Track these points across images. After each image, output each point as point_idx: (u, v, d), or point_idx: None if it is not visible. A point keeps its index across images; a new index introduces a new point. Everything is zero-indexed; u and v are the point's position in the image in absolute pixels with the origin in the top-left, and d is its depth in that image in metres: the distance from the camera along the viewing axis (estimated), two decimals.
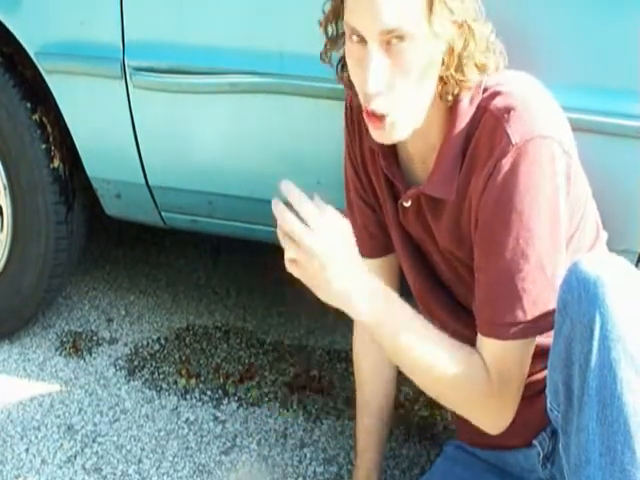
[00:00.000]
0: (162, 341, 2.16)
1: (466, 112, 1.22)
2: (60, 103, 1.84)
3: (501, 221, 1.18)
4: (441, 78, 1.19)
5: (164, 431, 1.86)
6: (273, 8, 1.62)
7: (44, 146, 1.90)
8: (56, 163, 1.92)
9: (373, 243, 1.51)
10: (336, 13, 1.20)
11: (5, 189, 1.95)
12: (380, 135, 1.22)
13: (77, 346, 2.13)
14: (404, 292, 1.55)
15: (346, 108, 1.43)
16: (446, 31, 1.14)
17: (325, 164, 1.66)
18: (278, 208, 1.14)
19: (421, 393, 1.95)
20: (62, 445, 1.81)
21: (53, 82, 1.82)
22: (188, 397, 1.96)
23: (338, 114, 1.45)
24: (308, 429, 1.86)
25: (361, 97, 1.20)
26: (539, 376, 1.29)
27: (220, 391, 1.98)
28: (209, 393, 1.97)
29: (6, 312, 2.09)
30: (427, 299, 1.45)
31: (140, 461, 1.77)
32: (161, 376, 2.03)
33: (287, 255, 1.17)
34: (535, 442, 1.40)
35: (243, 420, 1.89)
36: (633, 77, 1.42)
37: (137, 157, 1.84)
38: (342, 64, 1.27)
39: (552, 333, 1.16)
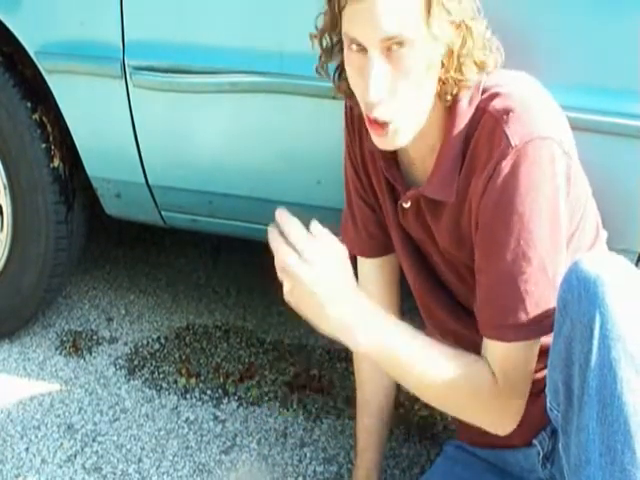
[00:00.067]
0: (162, 340, 2.16)
1: (465, 113, 1.22)
2: (60, 103, 1.84)
3: (502, 223, 1.18)
4: (440, 78, 1.19)
5: (164, 430, 1.86)
6: (273, 8, 1.62)
7: (44, 145, 1.90)
8: (56, 162, 1.92)
9: (373, 243, 1.51)
10: (333, 24, 1.19)
11: (5, 188, 1.96)
12: (383, 142, 1.22)
13: (77, 345, 2.13)
14: (404, 292, 1.56)
15: (346, 108, 1.43)
16: (445, 33, 1.14)
17: (325, 164, 1.66)
18: (274, 243, 1.14)
19: None
20: (62, 444, 1.81)
21: (53, 82, 1.83)
22: (188, 396, 1.96)
23: (338, 114, 1.45)
24: (308, 428, 1.86)
25: (362, 106, 1.20)
26: (539, 375, 1.29)
27: (220, 390, 1.98)
28: (209, 392, 1.98)
29: (6, 311, 2.09)
30: (427, 299, 1.45)
31: (140, 460, 1.77)
32: (161, 375, 2.03)
33: (284, 287, 1.18)
34: (535, 442, 1.40)
35: (243, 419, 1.89)
36: (633, 77, 1.42)
37: (137, 156, 1.84)
38: (339, 73, 1.27)
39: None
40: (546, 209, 1.17)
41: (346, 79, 1.23)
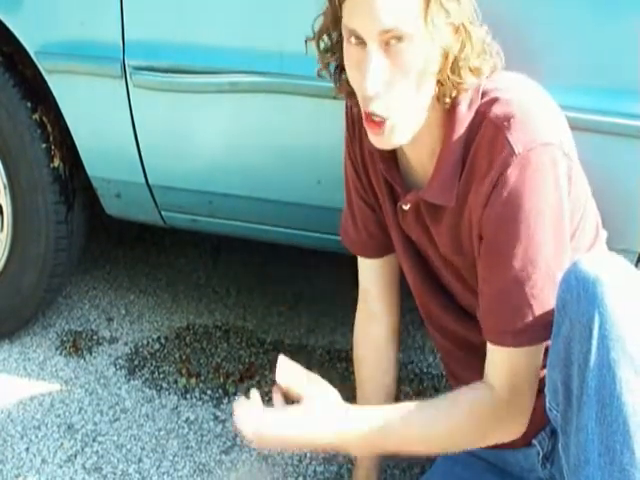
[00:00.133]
0: (162, 340, 2.16)
1: (465, 117, 1.22)
2: (60, 103, 1.84)
3: (508, 233, 1.18)
4: (438, 80, 1.19)
5: (164, 430, 1.86)
6: (273, 7, 1.62)
7: (44, 145, 1.90)
8: (56, 162, 1.92)
9: (373, 243, 1.51)
10: (334, 18, 1.19)
11: (5, 188, 1.96)
12: (379, 141, 1.22)
13: (77, 345, 2.13)
14: (404, 292, 1.56)
15: (346, 108, 1.42)
16: (442, 32, 1.14)
17: (325, 164, 1.66)
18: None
19: (421, 392, 1.96)
20: (62, 444, 1.81)
21: (53, 82, 1.83)
22: (188, 396, 1.96)
23: (338, 114, 1.45)
24: None
25: (360, 100, 1.20)
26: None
27: (220, 390, 1.98)
28: (209, 392, 1.98)
29: (6, 312, 2.09)
30: (427, 300, 1.45)
31: (140, 460, 1.77)
32: (161, 375, 2.03)
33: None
34: (535, 441, 1.40)
35: None
36: (633, 77, 1.42)
37: (137, 156, 1.84)
38: (339, 71, 1.27)
39: None
40: (550, 215, 1.18)
41: (346, 79, 1.23)
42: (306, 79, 1.58)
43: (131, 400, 1.95)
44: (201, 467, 1.76)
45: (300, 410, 1.26)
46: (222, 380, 2.01)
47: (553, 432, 1.35)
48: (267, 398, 1.95)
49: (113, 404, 1.93)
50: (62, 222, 1.97)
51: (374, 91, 1.14)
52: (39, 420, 1.88)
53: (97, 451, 1.79)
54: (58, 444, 1.81)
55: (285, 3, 1.61)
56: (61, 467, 1.75)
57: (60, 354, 2.10)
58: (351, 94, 1.24)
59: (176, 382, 2.01)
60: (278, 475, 1.74)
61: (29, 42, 1.81)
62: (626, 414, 1.05)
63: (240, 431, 1.26)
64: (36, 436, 1.84)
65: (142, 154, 1.84)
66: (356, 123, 1.40)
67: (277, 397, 1.30)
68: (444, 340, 1.48)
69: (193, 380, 2.01)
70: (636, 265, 1.55)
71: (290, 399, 1.30)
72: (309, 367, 2.08)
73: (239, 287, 2.40)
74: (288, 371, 1.30)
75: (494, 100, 1.20)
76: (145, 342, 2.16)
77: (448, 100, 1.20)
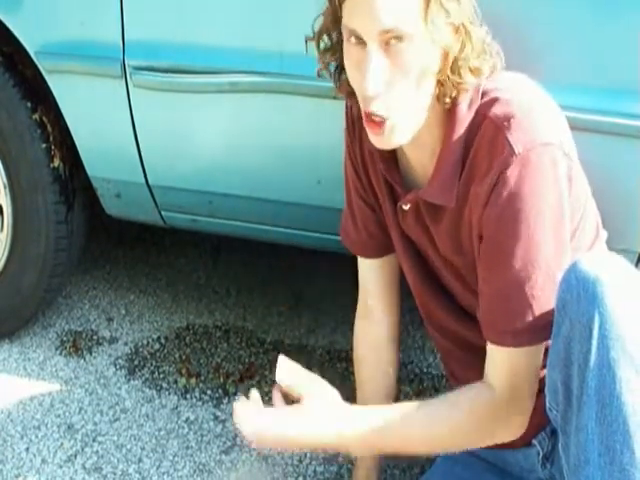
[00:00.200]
0: (162, 340, 2.16)
1: (465, 117, 1.22)
2: (60, 103, 1.84)
3: (508, 233, 1.18)
4: (438, 80, 1.19)
5: (164, 430, 1.86)
6: (273, 7, 1.62)
7: (44, 145, 1.90)
8: (56, 162, 1.92)
9: (373, 243, 1.51)
10: (335, 18, 1.19)
11: (5, 188, 1.96)
12: (379, 141, 1.22)
13: (77, 345, 2.13)
14: (404, 292, 1.56)
15: (346, 108, 1.42)
16: (443, 32, 1.14)
17: (325, 164, 1.66)
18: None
19: (421, 392, 1.96)
20: (62, 444, 1.81)
21: (53, 81, 1.83)
22: (188, 396, 1.96)
23: (338, 113, 1.45)
24: None
25: (360, 100, 1.20)
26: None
27: (220, 390, 1.98)
28: (209, 392, 1.98)
29: (6, 311, 2.09)
30: (427, 300, 1.45)
31: (140, 460, 1.77)
32: (161, 375, 2.03)
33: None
34: (534, 441, 1.40)
35: None
36: (633, 77, 1.42)
37: (137, 156, 1.84)
38: (339, 71, 1.27)
39: None
40: (551, 215, 1.18)
41: (346, 79, 1.23)
42: (306, 79, 1.59)
43: (131, 400, 1.95)
44: (201, 467, 1.76)
45: (300, 410, 1.26)
46: (222, 380, 2.01)
47: (553, 432, 1.35)
48: (267, 398, 1.95)
49: (113, 404, 1.93)
50: (62, 222, 1.97)
51: (374, 91, 1.14)
52: (39, 420, 1.88)
53: (97, 451, 1.79)
54: (58, 444, 1.81)
55: (285, 3, 1.61)
56: (61, 467, 1.75)
57: (60, 354, 2.10)
58: (351, 94, 1.24)
59: (176, 382, 2.01)
60: (278, 475, 1.74)
61: (29, 42, 1.81)
62: (626, 414, 1.05)
63: (240, 431, 1.26)
64: (36, 436, 1.84)
65: (142, 154, 1.84)
66: (356, 123, 1.40)
67: (277, 397, 1.30)
68: (444, 340, 1.48)
69: (193, 380, 2.01)
70: (636, 265, 1.55)
71: (290, 399, 1.29)
72: (309, 367, 2.07)
73: (239, 287, 2.40)
74: (288, 371, 1.30)
75: (494, 100, 1.20)
76: (145, 342, 2.16)
77: (448, 100, 1.20)
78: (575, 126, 1.28)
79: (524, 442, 1.39)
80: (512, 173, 1.16)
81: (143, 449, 1.80)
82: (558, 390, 1.15)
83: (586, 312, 1.07)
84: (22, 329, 2.16)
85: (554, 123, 1.22)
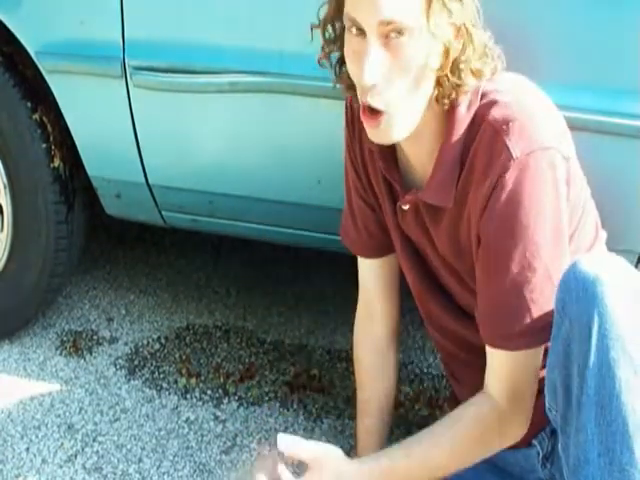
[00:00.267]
0: (162, 340, 2.16)
1: (464, 119, 1.22)
2: (60, 102, 1.84)
3: (507, 237, 1.18)
4: (437, 80, 1.19)
5: (164, 430, 1.86)
6: (273, 7, 1.62)
7: (44, 145, 1.90)
8: (56, 162, 1.92)
9: (373, 243, 1.51)
10: (338, 7, 1.19)
11: (5, 188, 1.95)
12: (376, 134, 1.22)
13: (77, 345, 2.13)
14: (404, 292, 1.56)
15: (346, 107, 1.43)
16: (444, 31, 1.14)
17: (325, 163, 1.66)
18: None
19: (421, 392, 1.96)
20: (62, 444, 1.81)
21: (53, 81, 1.83)
22: (188, 396, 1.96)
23: (338, 113, 1.45)
24: (308, 428, 1.86)
25: (358, 92, 1.20)
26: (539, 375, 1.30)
27: (220, 390, 1.98)
28: (209, 392, 1.97)
29: (6, 312, 2.08)
30: (426, 299, 1.45)
31: (140, 460, 1.77)
32: (161, 375, 2.03)
33: None
34: (535, 442, 1.40)
35: (243, 419, 1.89)
36: (633, 77, 1.42)
37: (137, 156, 1.84)
38: (340, 64, 1.27)
39: None
40: (550, 219, 1.18)
41: (347, 71, 1.23)
42: (306, 79, 1.59)
43: (131, 400, 1.95)
44: (201, 467, 1.76)
45: (314, 477, 1.26)
46: (222, 380, 2.01)
47: (553, 432, 1.35)
48: (267, 398, 1.96)
49: (113, 404, 1.93)
50: (62, 222, 1.96)
51: (372, 81, 1.14)
52: (39, 420, 1.88)
53: (97, 451, 1.79)
54: (58, 444, 1.81)
55: (285, 3, 1.61)
56: (61, 467, 1.75)
57: (60, 354, 2.10)
58: (351, 87, 1.24)
59: (176, 382, 2.01)
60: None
61: (29, 42, 1.81)
62: (626, 414, 1.05)
63: None
64: (36, 436, 1.83)
65: (142, 154, 1.84)
66: (356, 122, 1.40)
67: (284, 470, 1.28)
68: (444, 340, 1.48)
69: (193, 380, 2.01)
70: (636, 266, 1.55)
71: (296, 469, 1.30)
72: (309, 367, 2.09)
73: (239, 287, 2.40)
74: (289, 441, 1.28)
75: (493, 103, 1.20)
76: (145, 342, 2.16)
77: (447, 101, 1.20)
78: (575, 126, 1.29)
79: (524, 442, 1.39)
80: (510, 177, 1.16)
81: (143, 449, 1.80)
82: (557, 390, 1.15)
83: (585, 312, 1.07)
84: (22, 329, 2.16)
85: (553, 126, 1.22)
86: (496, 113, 1.19)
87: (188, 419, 1.89)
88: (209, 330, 2.20)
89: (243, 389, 1.98)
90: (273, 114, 1.70)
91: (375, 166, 1.39)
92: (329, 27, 1.25)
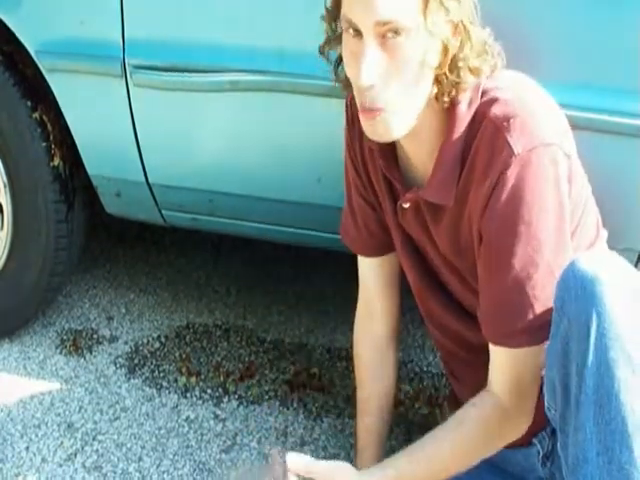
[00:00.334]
0: (162, 339, 2.16)
1: (464, 117, 1.21)
2: (60, 101, 1.84)
3: (509, 233, 1.18)
4: (436, 79, 1.19)
5: (164, 429, 1.86)
6: (273, 6, 1.61)
7: (44, 144, 1.90)
8: (56, 161, 1.92)
9: (373, 242, 1.51)
10: (337, 6, 1.19)
11: (5, 187, 1.95)
12: (374, 132, 1.22)
13: (77, 344, 2.13)
14: (404, 291, 1.56)
15: (347, 106, 1.43)
16: (441, 29, 1.14)
17: (325, 162, 1.66)
18: None
19: (421, 391, 1.96)
20: (62, 443, 1.81)
21: (53, 80, 1.82)
22: (188, 395, 1.96)
23: (338, 112, 1.45)
24: (308, 427, 1.86)
25: (356, 92, 1.20)
26: None
27: (220, 389, 1.98)
28: (209, 391, 1.98)
29: (6, 310, 2.08)
30: (426, 298, 1.45)
31: (140, 459, 1.77)
32: (161, 374, 2.03)
33: None
34: (535, 441, 1.40)
35: (243, 418, 1.89)
36: (633, 75, 1.42)
37: (137, 155, 1.84)
38: (339, 63, 1.27)
39: None
40: (552, 215, 1.18)
41: (345, 70, 1.23)
42: (306, 78, 1.59)
43: (131, 399, 1.95)
44: (201, 466, 1.76)
45: None
46: (222, 379, 2.01)
47: (553, 431, 1.35)
48: (267, 397, 1.96)
49: (113, 403, 1.93)
50: (62, 221, 1.96)
51: (369, 82, 1.14)
52: (39, 419, 1.88)
53: (97, 450, 1.79)
54: (58, 443, 1.81)
55: (285, 2, 1.61)
56: (61, 466, 1.75)
57: (60, 353, 2.10)
58: (348, 85, 1.24)
59: (176, 381, 2.01)
60: (278, 474, 1.73)
61: (29, 41, 1.81)
62: (624, 413, 1.05)
63: None
64: (36, 435, 1.84)
65: (142, 153, 1.84)
66: (356, 121, 1.39)
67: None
68: (444, 338, 1.48)
69: (193, 379, 2.01)
70: (636, 264, 1.55)
71: None
72: (309, 366, 2.09)
73: (239, 286, 2.40)
74: (297, 456, 1.29)
75: (494, 100, 1.20)
76: (145, 341, 2.16)
77: (447, 99, 1.20)
78: (576, 125, 1.28)
79: (525, 442, 1.39)
80: (512, 174, 1.16)
81: (143, 448, 1.80)
82: (556, 389, 1.15)
83: (584, 311, 1.07)
84: (22, 328, 2.16)
85: (554, 123, 1.22)
86: (497, 110, 1.19)
87: (188, 418, 1.89)
88: (209, 329, 2.20)
89: (243, 388, 1.98)
90: (273, 113, 1.70)
91: (375, 164, 1.39)
92: (331, 24, 1.24)
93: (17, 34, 1.81)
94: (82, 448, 1.80)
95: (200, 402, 1.94)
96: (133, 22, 1.71)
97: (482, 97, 1.22)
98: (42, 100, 1.89)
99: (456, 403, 1.42)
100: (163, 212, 1.96)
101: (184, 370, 2.04)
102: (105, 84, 1.78)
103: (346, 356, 2.06)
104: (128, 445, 1.81)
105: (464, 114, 1.21)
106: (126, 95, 1.77)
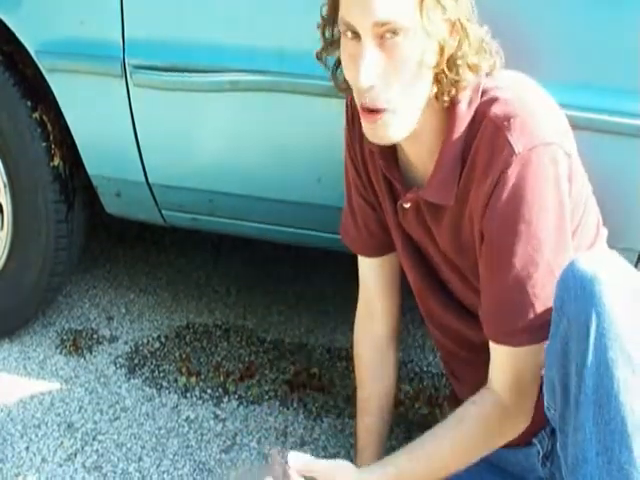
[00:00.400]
0: (162, 339, 2.16)
1: (464, 116, 1.22)
2: (60, 101, 1.84)
3: (509, 232, 1.18)
4: (435, 77, 1.19)
5: (164, 429, 1.86)
6: (273, 6, 1.62)
7: (44, 144, 1.90)
8: (56, 161, 1.92)
9: (373, 242, 1.51)
10: (335, 10, 1.20)
11: (5, 187, 1.95)
12: (374, 134, 1.22)
13: (77, 344, 2.13)
14: (404, 291, 1.56)
15: (347, 106, 1.43)
16: (438, 28, 1.14)
17: (325, 162, 1.66)
18: None
19: (421, 391, 1.96)
20: (62, 443, 1.81)
21: (53, 80, 1.82)
22: (188, 395, 1.96)
23: (338, 112, 1.45)
24: (308, 427, 1.86)
25: (355, 94, 1.20)
26: None
27: (220, 389, 1.98)
28: (209, 391, 1.98)
29: (6, 310, 2.08)
30: (427, 298, 1.45)
31: (140, 459, 1.77)
32: (161, 374, 2.03)
33: None
34: (535, 441, 1.40)
35: (243, 418, 1.89)
36: (633, 76, 1.42)
37: (137, 155, 1.84)
38: (337, 67, 1.27)
39: None
40: (552, 214, 1.18)
41: (344, 75, 1.23)
42: (306, 78, 1.59)
43: (131, 399, 1.95)
44: (201, 466, 1.76)
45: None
46: (222, 379, 2.01)
47: (553, 431, 1.35)
48: (267, 397, 1.96)
49: (113, 403, 1.93)
50: (62, 221, 1.96)
51: (368, 83, 1.14)
52: (39, 419, 1.88)
53: (97, 450, 1.79)
54: (58, 443, 1.81)
55: (285, 1, 1.61)
56: (61, 466, 1.75)
57: (60, 353, 2.10)
58: (347, 88, 1.24)
59: (176, 381, 2.01)
60: (278, 474, 1.73)
61: (29, 41, 1.81)
62: (624, 413, 1.05)
63: None
64: (36, 435, 1.84)
65: (142, 153, 1.84)
66: (356, 121, 1.40)
67: (295, 476, 1.28)
68: (444, 338, 1.48)
69: (193, 379, 2.01)
70: (636, 264, 1.55)
71: None
72: (309, 366, 2.08)
73: (239, 286, 2.40)
74: (298, 455, 1.29)
75: (494, 99, 1.20)
76: (145, 341, 2.16)
77: (446, 98, 1.20)
78: (576, 125, 1.29)
79: (525, 442, 1.39)
80: (512, 173, 1.16)
81: (143, 448, 1.80)
82: (556, 389, 1.15)
83: (584, 311, 1.07)
84: (22, 328, 2.16)
85: (554, 122, 1.22)
86: (497, 109, 1.19)
87: (188, 418, 1.89)
88: (209, 329, 2.20)
89: (243, 388, 1.98)
90: (273, 113, 1.70)
91: (375, 164, 1.39)
92: (328, 29, 1.25)
93: (17, 34, 1.81)
94: (82, 448, 1.80)
95: (200, 402, 1.94)
96: (133, 22, 1.71)
97: (482, 97, 1.22)
98: (42, 100, 1.89)
99: (456, 403, 1.42)
100: (163, 212, 1.96)
101: (184, 370, 2.04)
102: (105, 84, 1.78)
103: (346, 356, 2.06)
104: (128, 445, 1.81)
105: (464, 114, 1.21)
106: (126, 95, 1.77)
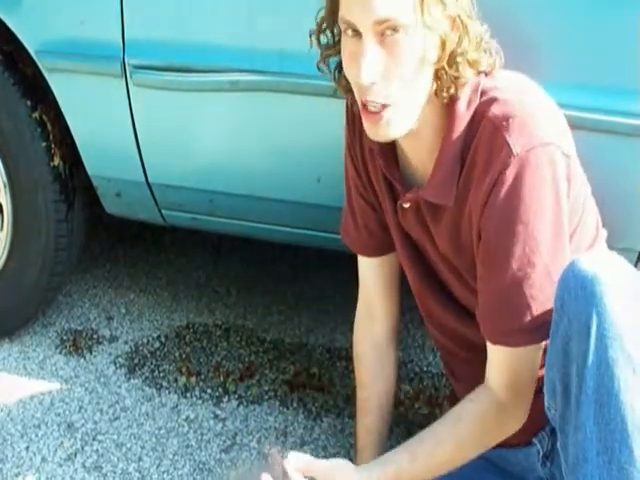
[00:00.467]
0: (162, 339, 2.16)
1: (463, 116, 1.22)
2: (60, 101, 1.84)
3: (507, 233, 1.18)
4: (436, 74, 1.19)
5: (164, 429, 1.86)
6: (273, 6, 1.62)
7: (44, 144, 1.90)
8: (56, 161, 1.92)
9: (373, 242, 1.51)
10: (334, 11, 1.20)
11: (5, 187, 1.95)
12: (375, 132, 1.22)
13: (77, 344, 2.13)
14: (404, 291, 1.56)
15: (347, 106, 1.43)
16: (439, 24, 1.14)
17: (325, 162, 1.66)
18: None
19: (421, 391, 1.96)
20: (62, 443, 1.81)
21: (53, 80, 1.82)
22: (188, 395, 1.96)
23: (338, 112, 1.45)
24: (308, 427, 1.86)
25: (356, 92, 1.20)
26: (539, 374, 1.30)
27: (220, 389, 1.98)
28: (209, 391, 1.98)
29: (6, 310, 2.08)
30: (426, 298, 1.45)
31: (140, 459, 1.77)
32: (161, 374, 2.03)
33: None
34: (535, 440, 1.40)
35: (243, 418, 1.89)
36: (633, 75, 1.42)
37: (137, 155, 1.84)
38: (338, 69, 1.27)
39: None
40: (550, 215, 1.18)
41: (345, 76, 1.23)
42: (306, 78, 1.59)
43: (131, 399, 1.95)
44: (201, 466, 1.76)
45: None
46: (222, 379, 2.01)
47: (553, 431, 1.35)
48: (267, 397, 1.96)
49: (113, 403, 1.93)
50: (62, 221, 1.96)
51: (369, 80, 1.15)
52: (39, 419, 1.88)
53: (97, 450, 1.79)
54: (58, 443, 1.81)
55: (285, 1, 1.61)
56: (61, 466, 1.75)
57: (60, 353, 2.10)
58: (349, 90, 1.24)
59: (176, 381, 2.01)
60: (278, 474, 1.73)
61: (29, 41, 1.81)
62: (624, 413, 1.05)
63: None
64: (36, 435, 1.84)
65: (142, 153, 1.84)
66: (356, 121, 1.40)
67: (295, 474, 1.28)
68: (444, 338, 1.48)
69: (193, 379, 2.01)
70: (636, 264, 1.55)
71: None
72: (309, 366, 2.08)
73: (239, 286, 2.40)
74: (297, 455, 1.29)
75: (493, 100, 1.20)
76: (145, 341, 2.16)
77: (446, 95, 1.21)
78: (575, 125, 1.29)
79: (525, 441, 1.39)
80: (511, 173, 1.16)
81: (143, 448, 1.80)
82: (556, 389, 1.15)
83: (584, 311, 1.07)
84: (22, 328, 2.16)
85: (553, 123, 1.22)
86: (496, 110, 1.19)
87: (188, 418, 1.89)
88: (209, 329, 2.20)
89: (243, 388, 1.98)
90: (273, 113, 1.70)
91: (375, 164, 1.39)
92: (327, 33, 1.25)
93: (17, 34, 1.81)
94: (82, 448, 1.80)
95: (200, 402, 1.94)
96: (133, 22, 1.71)
97: (481, 97, 1.22)
98: (42, 100, 1.89)
99: (456, 403, 1.42)
100: (163, 212, 1.96)
101: (184, 370, 2.04)
102: (105, 84, 1.78)
103: (346, 356, 2.06)
104: (128, 445, 1.81)
105: (463, 114, 1.22)
106: (126, 95, 1.77)
